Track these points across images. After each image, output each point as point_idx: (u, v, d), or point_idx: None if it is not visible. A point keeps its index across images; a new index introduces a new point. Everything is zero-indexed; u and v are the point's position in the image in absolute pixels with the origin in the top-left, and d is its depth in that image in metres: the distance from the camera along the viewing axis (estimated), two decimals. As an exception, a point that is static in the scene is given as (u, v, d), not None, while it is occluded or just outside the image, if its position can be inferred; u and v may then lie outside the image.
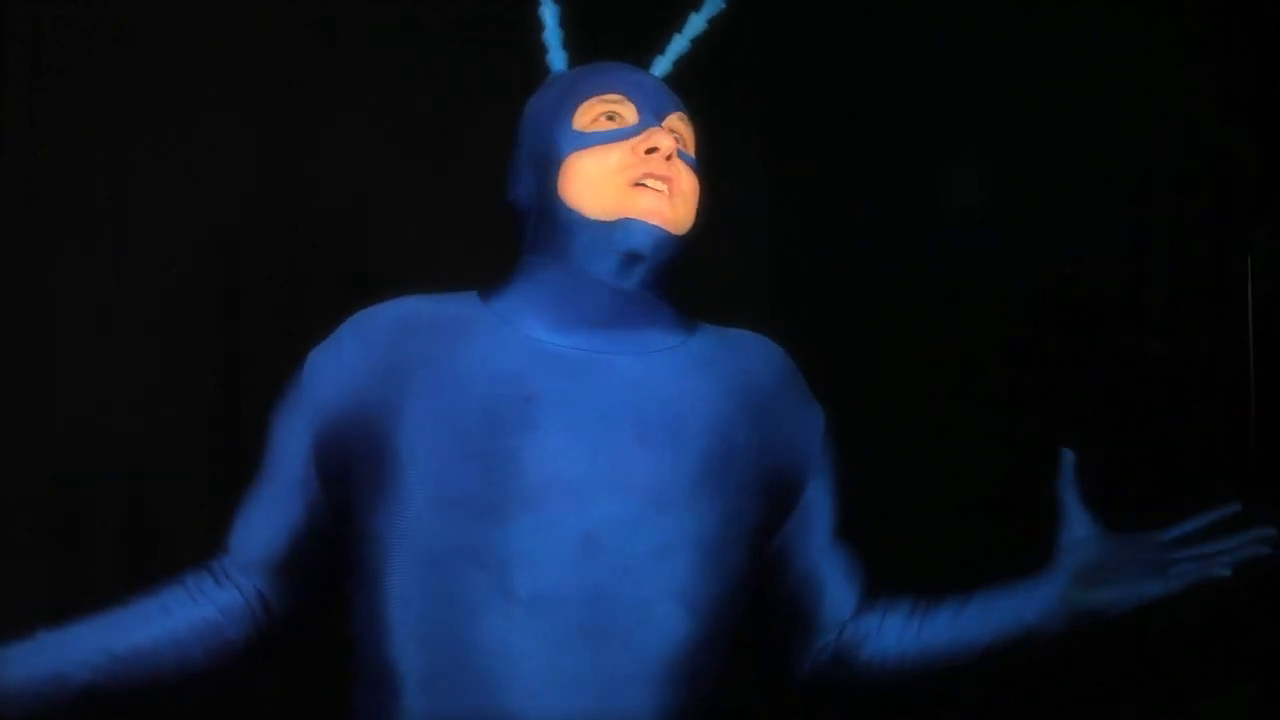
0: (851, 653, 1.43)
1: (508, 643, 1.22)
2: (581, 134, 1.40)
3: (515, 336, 1.35)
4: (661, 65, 1.55)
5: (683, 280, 1.48)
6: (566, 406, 1.30)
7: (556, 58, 1.54)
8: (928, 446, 2.29)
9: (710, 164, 1.50)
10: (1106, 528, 1.39)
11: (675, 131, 1.43)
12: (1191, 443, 2.35)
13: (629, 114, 1.41)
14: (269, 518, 1.37)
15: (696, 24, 1.56)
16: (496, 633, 1.22)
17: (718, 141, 1.52)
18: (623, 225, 1.36)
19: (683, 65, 1.57)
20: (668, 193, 1.37)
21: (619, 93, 1.42)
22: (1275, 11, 2.34)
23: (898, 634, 1.42)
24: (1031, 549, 2.36)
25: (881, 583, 1.51)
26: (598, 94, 1.42)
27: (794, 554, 1.43)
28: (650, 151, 1.37)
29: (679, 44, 1.56)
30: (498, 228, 1.63)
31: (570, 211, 1.38)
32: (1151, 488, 2.35)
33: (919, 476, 2.26)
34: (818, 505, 1.44)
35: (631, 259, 1.36)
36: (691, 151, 1.45)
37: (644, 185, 1.37)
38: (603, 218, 1.37)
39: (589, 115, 1.41)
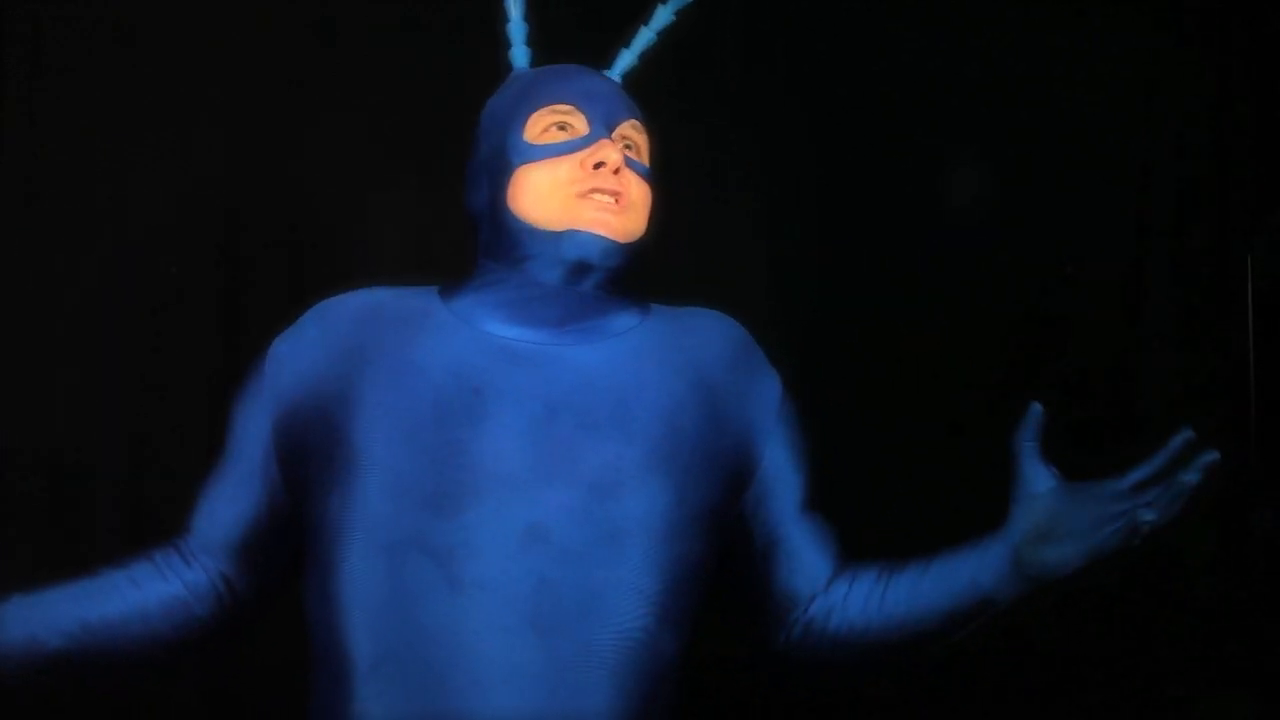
0: (820, 624, 1.41)
1: (456, 631, 1.24)
2: (531, 146, 1.41)
3: (469, 331, 1.37)
4: (626, 59, 1.54)
5: (679, 280, 1.48)
6: (514, 398, 1.32)
7: (519, 54, 1.53)
8: (924, 441, 2.28)
9: (707, 163, 1.50)
10: (1066, 482, 1.34)
11: (628, 139, 1.44)
12: (1190, 443, 2.35)
13: (579, 124, 1.41)
14: (230, 502, 1.40)
15: (662, 17, 1.54)
16: (444, 621, 1.24)
17: (715, 141, 1.53)
18: (570, 236, 1.38)
19: (672, 64, 1.56)
20: (616, 204, 1.39)
21: (569, 103, 1.42)
22: (1275, 11, 2.34)
23: (862, 603, 1.40)
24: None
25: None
26: (548, 104, 1.42)
27: (756, 524, 1.42)
28: (598, 166, 1.38)
29: (644, 37, 1.54)
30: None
31: (519, 222, 1.40)
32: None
33: (917, 473, 2.25)
34: (778, 474, 1.43)
35: (581, 268, 1.39)
36: (645, 159, 1.46)
37: (591, 200, 1.38)
38: (551, 229, 1.38)
39: (539, 126, 1.42)
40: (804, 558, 1.43)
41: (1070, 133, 2.36)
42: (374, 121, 2.31)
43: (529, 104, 1.43)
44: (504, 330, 1.37)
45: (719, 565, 1.40)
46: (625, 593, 1.27)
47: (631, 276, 1.46)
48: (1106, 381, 2.40)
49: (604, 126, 1.41)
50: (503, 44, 1.51)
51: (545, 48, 1.56)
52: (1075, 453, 2.37)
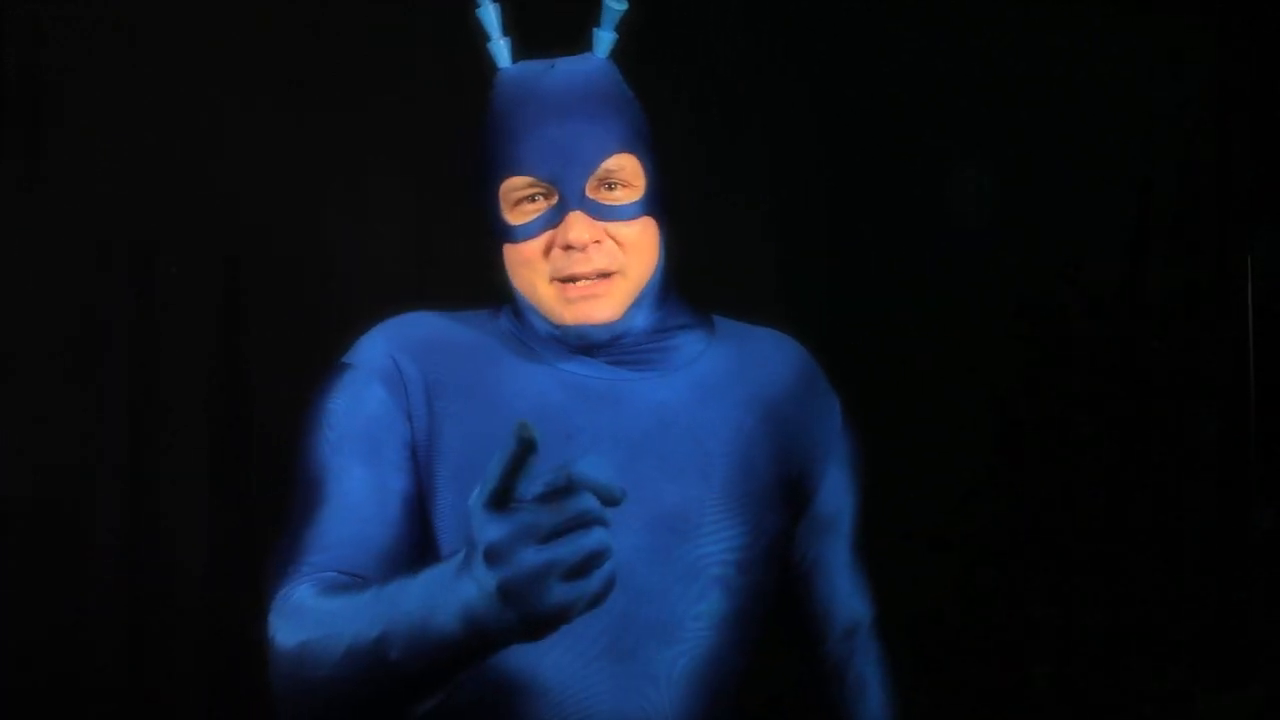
0: (843, 667, 1.47)
1: (535, 664, 1.26)
2: (508, 225, 1.35)
3: (546, 369, 1.36)
4: (605, 39, 1.41)
5: (682, 281, 1.47)
6: (598, 441, 1.31)
7: (498, 48, 1.41)
8: (929, 445, 2.28)
9: (712, 163, 1.49)
10: None
11: (609, 178, 1.34)
12: (1192, 443, 2.35)
13: (548, 193, 1.33)
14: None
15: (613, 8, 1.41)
16: (525, 656, 1.23)
17: (720, 141, 1.51)
18: (564, 330, 1.36)
19: (677, 62, 1.50)
20: (598, 286, 1.33)
21: (530, 175, 1.33)
22: (1275, 12, 2.34)
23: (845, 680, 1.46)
24: (1032, 546, 2.37)
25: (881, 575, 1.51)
26: (513, 173, 1.34)
27: (806, 543, 1.44)
28: (569, 248, 1.32)
29: (612, 10, 1.40)
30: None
31: (523, 298, 1.38)
32: (1152, 488, 2.35)
33: (920, 475, 2.25)
34: (835, 500, 1.45)
35: (592, 348, 1.37)
36: (635, 187, 1.36)
37: (573, 285, 1.33)
38: (549, 318, 1.36)
39: (510, 200, 1.35)
40: (843, 588, 1.46)
41: (1071, 133, 2.36)
42: (375, 123, 2.30)
43: (499, 166, 1.35)
44: (578, 367, 1.36)
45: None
46: (700, 623, 1.31)
47: (679, 287, 1.44)
48: (1107, 381, 2.40)
49: (574, 190, 1.32)
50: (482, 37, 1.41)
51: (527, 28, 1.45)
52: (1075, 453, 2.38)
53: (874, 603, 1.49)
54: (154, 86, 2.24)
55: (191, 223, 2.26)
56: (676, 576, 1.31)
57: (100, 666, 2.20)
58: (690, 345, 1.41)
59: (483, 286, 1.45)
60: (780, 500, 1.39)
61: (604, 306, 1.33)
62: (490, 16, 1.41)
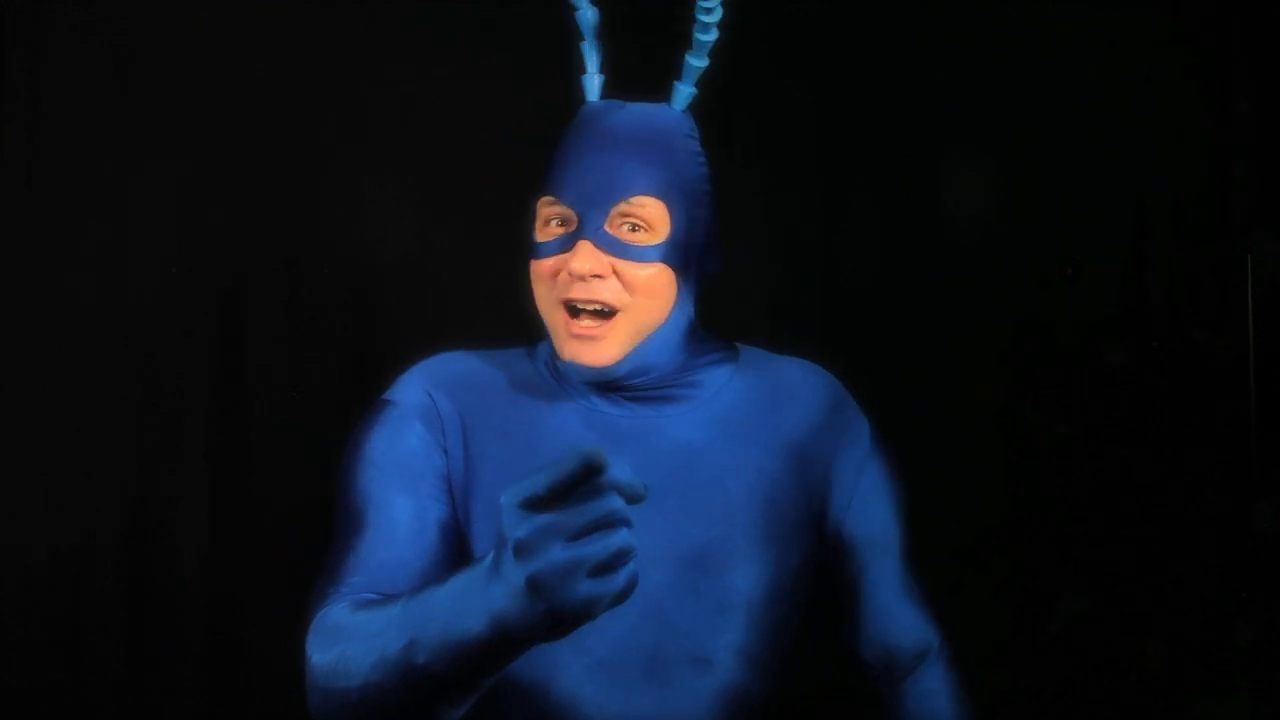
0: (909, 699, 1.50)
1: (575, 697, 1.32)
2: (533, 241, 1.42)
3: (576, 406, 1.41)
4: (683, 92, 1.45)
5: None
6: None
7: (590, 82, 1.46)
8: (930, 450, 2.28)
9: (714, 170, 1.48)
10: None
11: (630, 218, 1.36)
12: (1192, 443, 2.35)
13: (570, 219, 1.38)
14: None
15: (702, 39, 1.43)
16: (568, 685, 1.31)
17: (720, 148, 1.51)
18: (567, 365, 1.40)
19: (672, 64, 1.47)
20: (597, 333, 1.36)
21: (556, 196, 1.38)
22: (1275, 14, 2.34)
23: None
24: (1032, 545, 2.37)
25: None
26: (546, 193, 1.40)
27: (848, 571, 1.47)
28: (571, 274, 1.36)
29: (692, 67, 1.44)
30: (498, 226, 1.63)
31: (543, 318, 1.43)
32: (1152, 488, 2.35)
33: (911, 474, 2.25)
34: (863, 517, 1.46)
35: (598, 385, 1.42)
36: (658, 231, 1.37)
37: (575, 322, 1.37)
38: (555, 345, 1.41)
39: (540, 219, 1.41)
40: (900, 615, 1.48)
41: (1070, 133, 2.36)
42: (377, 130, 2.30)
43: (543, 185, 1.42)
44: (606, 405, 1.41)
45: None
46: (731, 654, 1.36)
47: (703, 322, 1.48)
48: (1107, 381, 2.40)
49: (592, 221, 1.36)
50: (573, 69, 1.47)
51: (621, 73, 1.50)
52: (1075, 454, 2.38)
53: (939, 631, 1.51)
54: (154, 88, 2.25)
55: (192, 223, 2.26)
56: (706, 611, 1.35)
57: (100, 667, 2.20)
58: (714, 380, 1.44)
59: (482, 284, 1.46)
60: (802, 535, 1.42)
61: (603, 349, 1.37)
62: (592, 53, 1.45)
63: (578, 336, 1.37)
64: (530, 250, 1.42)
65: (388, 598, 1.18)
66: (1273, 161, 2.37)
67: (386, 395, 1.42)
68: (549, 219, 1.39)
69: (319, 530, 1.42)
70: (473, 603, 0.99)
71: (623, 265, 1.36)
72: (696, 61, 1.43)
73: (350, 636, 1.15)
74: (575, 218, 1.37)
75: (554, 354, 1.43)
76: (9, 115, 2.20)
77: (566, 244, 1.37)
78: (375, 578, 1.27)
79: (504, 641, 0.99)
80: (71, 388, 2.21)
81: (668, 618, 1.34)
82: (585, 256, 1.35)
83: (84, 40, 2.22)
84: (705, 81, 1.46)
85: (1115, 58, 2.37)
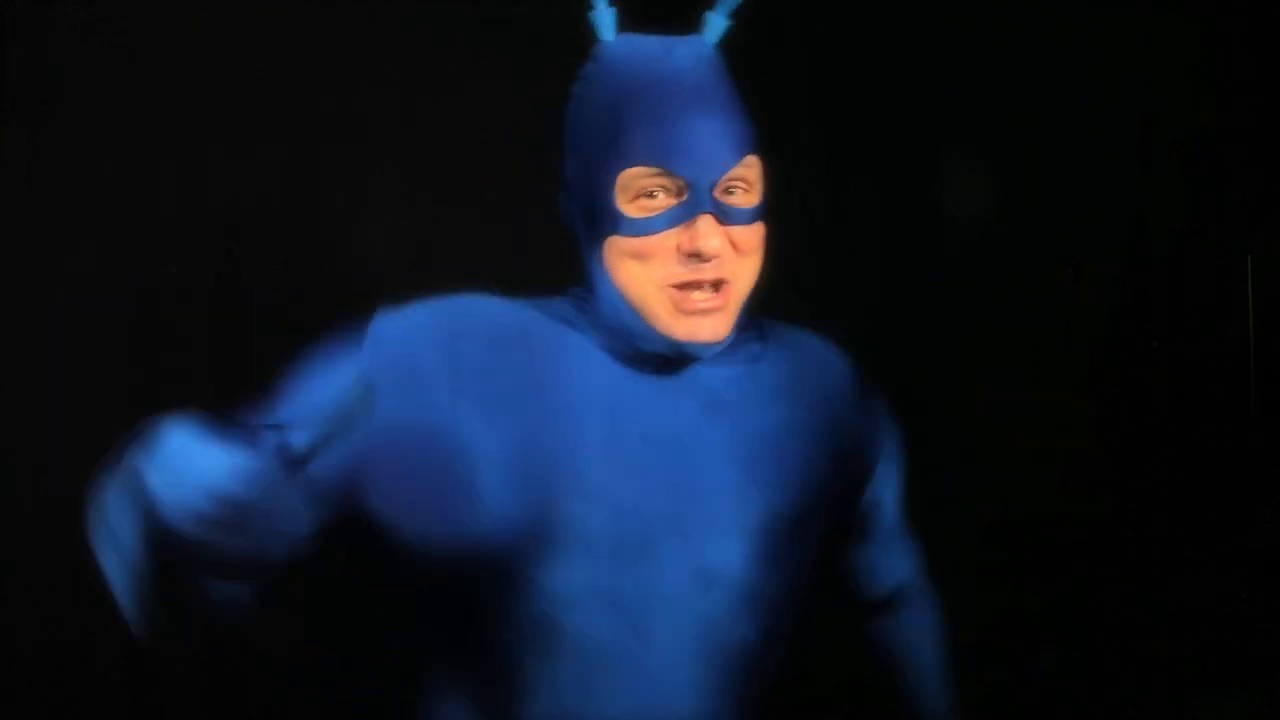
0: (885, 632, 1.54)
1: (640, 676, 1.27)
2: (623, 216, 1.25)
3: (617, 369, 1.30)
4: (716, 24, 1.32)
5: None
6: (671, 445, 1.29)
7: (603, 17, 1.31)
8: (932, 445, 2.28)
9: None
10: None
11: (737, 181, 1.26)
12: (1192, 442, 2.35)
13: (676, 188, 1.24)
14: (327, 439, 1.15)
15: None
16: (629, 667, 1.27)
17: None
18: (671, 342, 1.27)
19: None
20: (715, 304, 1.26)
21: (661, 165, 1.23)
22: (1275, 11, 2.34)
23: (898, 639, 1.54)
24: (1033, 545, 2.37)
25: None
26: (639, 162, 1.24)
27: (863, 534, 1.49)
28: (694, 255, 1.24)
29: (720, 17, 1.32)
30: (498, 226, 1.63)
31: (619, 296, 1.28)
32: (1152, 487, 2.35)
33: (911, 475, 2.25)
34: (883, 489, 1.48)
35: (684, 358, 1.30)
36: (757, 191, 1.29)
37: (689, 298, 1.25)
38: (652, 325, 1.27)
39: (630, 191, 1.24)
40: (891, 557, 1.51)
41: (1071, 133, 2.36)
42: (377, 121, 2.30)
43: (618, 155, 1.25)
44: (647, 366, 1.30)
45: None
46: (766, 639, 1.33)
47: None
48: (1106, 381, 2.40)
49: (706, 191, 1.24)
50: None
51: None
52: (1075, 454, 2.38)
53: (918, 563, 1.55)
54: (154, 88, 2.25)
55: (192, 223, 2.26)
56: (755, 587, 1.31)
57: (100, 667, 2.20)
58: (747, 350, 1.37)
59: (487, 283, 1.44)
60: (840, 510, 1.42)
61: (721, 322, 1.26)
62: None
63: (698, 312, 1.25)
64: (612, 225, 1.25)
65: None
66: (1273, 161, 2.37)
67: (375, 320, 1.29)
68: (645, 190, 1.24)
69: (318, 530, 1.42)
70: None
71: (734, 231, 1.25)
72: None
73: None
74: (685, 189, 1.23)
75: (628, 323, 1.28)
76: (9, 115, 2.19)
77: (679, 218, 1.24)
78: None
79: None
80: (71, 387, 2.21)
81: (721, 589, 1.29)
82: (713, 234, 1.23)
83: (84, 40, 2.22)
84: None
85: (1116, 57, 2.37)
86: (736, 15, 1.33)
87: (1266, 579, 2.30)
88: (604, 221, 1.26)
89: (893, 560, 1.52)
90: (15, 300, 2.20)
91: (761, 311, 1.41)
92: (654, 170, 1.23)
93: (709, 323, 1.26)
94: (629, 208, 1.25)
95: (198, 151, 2.25)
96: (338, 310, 1.43)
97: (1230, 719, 2.26)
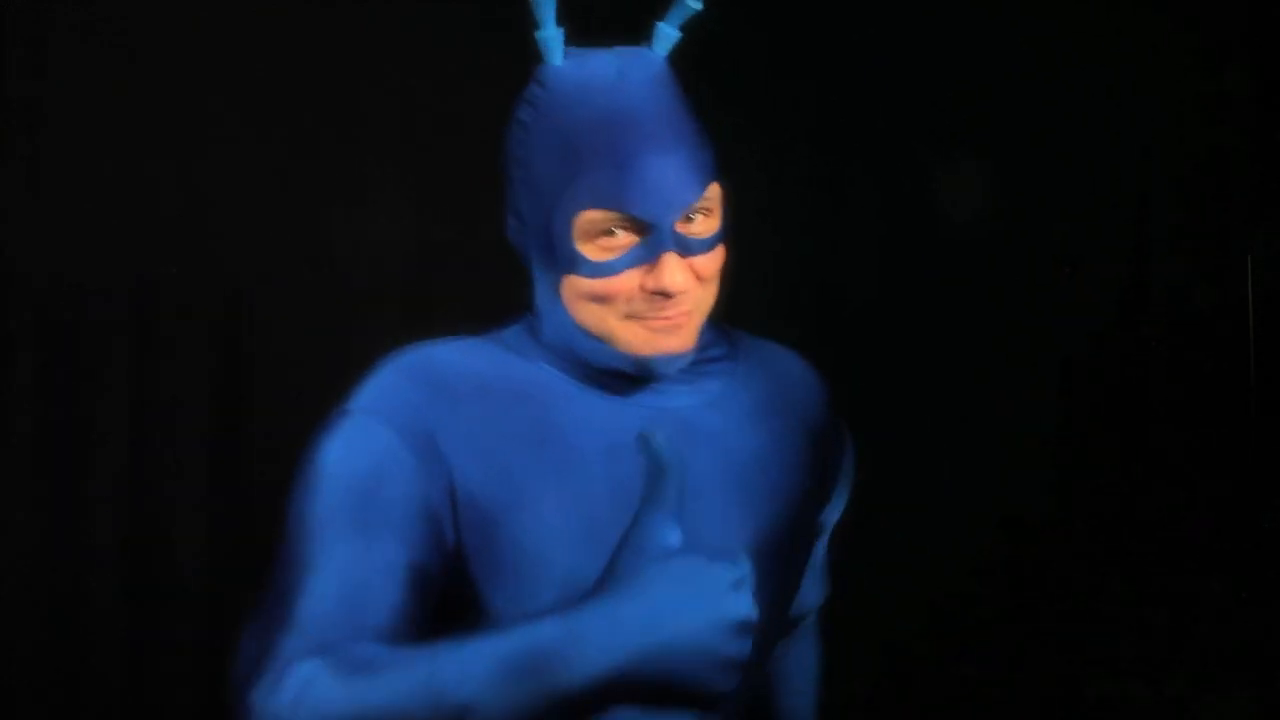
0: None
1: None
2: (582, 259, 1.20)
3: (602, 402, 1.26)
4: (667, 35, 1.26)
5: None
6: (643, 479, 1.21)
7: (551, 39, 1.24)
8: (927, 448, 2.28)
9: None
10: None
11: (697, 213, 1.22)
12: (1192, 443, 2.35)
13: (636, 227, 1.19)
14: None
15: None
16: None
17: (719, 140, 1.48)
18: (635, 359, 1.23)
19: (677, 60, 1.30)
20: (684, 322, 1.23)
21: (621, 211, 1.18)
22: (1275, 12, 2.34)
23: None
24: (1034, 546, 2.37)
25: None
26: (597, 206, 1.19)
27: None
28: (658, 293, 1.20)
29: (683, 8, 1.26)
30: (497, 226, 1.62)
31: (577, 327, 1.24)
32: (1152, 488, 2.35)
33: (912, 475, 2.25)
34: (830, 517, 1.43)
35: (645, 374, 1.26)
36: (717, 218, 1.24)
37: (655, 321, 1.21)
38: (614, 347, 1.23)
39: (588, 233, 1.20)
40: (810, 580, 1.42)
41: (1070, 133, 2.36)
42: (374, 122, 2.30)
43: (575, 196, 1.20)
44: (626, 395, 1.26)
45: None
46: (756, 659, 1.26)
47: None
48: (1106, 381, 2.40)
49: (666, 230, 1.19)
50: (527, 24, 1.25)
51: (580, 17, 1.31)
52: (1075, 455, 2.38)
53: (828, 590, 1.47)
54: (154, 90, 2.25)
55: (192, 224, 2.26)
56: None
57: (100, 667, 2.20)
58: (720, 369, 1.32)
59: (487, 291, 1.43)
60: (809, 532, 1.38)
61: (685, 335, 1.23)
62: (548, 2, 1.24)
63: (662, 330, 1.21)
64: (568, 266, 1.21)
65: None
66: (1273, 161, 2.37)
67: (354, 404, 1.21)
68: (604, 230, 1.19)
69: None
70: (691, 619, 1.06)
71: (696, 261, 1.22)
72: (693, 2, 1.24)
73: (399, 665, 1.07)
74: (646, 229, 1.19)
75: (581, 349, 1.25)
76: (9, 115, 2.19)
77: (643, 257, 1.19)
78: (348, 631, 1.10)
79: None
80: (71, 387, 2.21)
81: None
82: (678, 272, 1.19)
83: (84, 40, 2.22)
84: (696, 66, 1.30)
85: (1116, 57, 2.37)
86: (724, 24, 1.30)
87: (1266, 579, 2.30)
88: (561, 261, 1.21)
89: (806, 588, 1.41)
90: (15, 300, 2.20)
91: (745, 320, 1.41)
92: (614, 215, 1.19)
93: (670, 338, 1.22)
94: (588, 249, 1.20)
95: (198, 151, 2.25)
96: (338, 310, 1.43)
97: (1230, 719, 2.26)
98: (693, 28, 1.30)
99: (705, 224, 1.23)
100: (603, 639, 1.07)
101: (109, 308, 2.23)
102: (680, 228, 1.20)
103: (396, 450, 1.17)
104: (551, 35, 1.24)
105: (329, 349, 2.27)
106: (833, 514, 1.42)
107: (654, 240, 1.19)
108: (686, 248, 1.21)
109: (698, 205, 1.21)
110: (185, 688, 2.22)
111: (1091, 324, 2.39)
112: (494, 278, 1.56)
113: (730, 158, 1.39)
